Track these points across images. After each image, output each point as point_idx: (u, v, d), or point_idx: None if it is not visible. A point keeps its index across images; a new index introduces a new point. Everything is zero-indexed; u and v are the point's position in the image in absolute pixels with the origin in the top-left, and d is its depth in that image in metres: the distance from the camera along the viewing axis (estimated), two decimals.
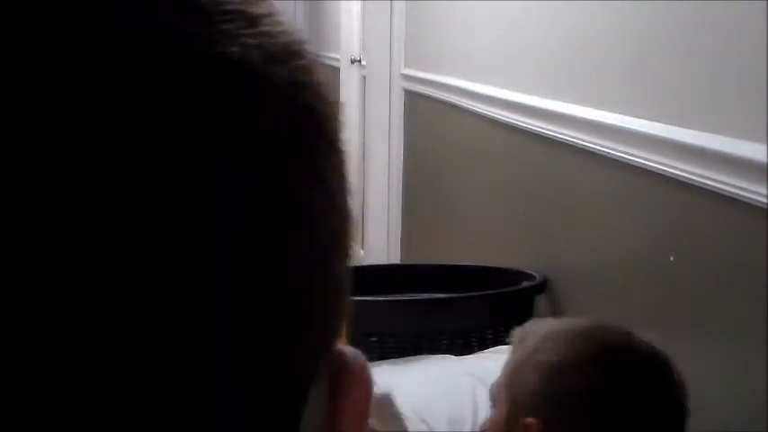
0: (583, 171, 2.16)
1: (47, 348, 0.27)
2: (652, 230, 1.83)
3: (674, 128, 1.73)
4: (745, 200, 1.49)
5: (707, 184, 1.59)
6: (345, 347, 0.35)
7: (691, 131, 1.67)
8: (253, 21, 0.31)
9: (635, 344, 1.30)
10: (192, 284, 0.28)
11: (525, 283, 2.40)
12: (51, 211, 0.27)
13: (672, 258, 1.73)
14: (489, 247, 2.89)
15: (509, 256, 2.66)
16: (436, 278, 2.68)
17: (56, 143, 0.27)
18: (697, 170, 1.63)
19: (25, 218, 0.27)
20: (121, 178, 0.27)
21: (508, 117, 2.65)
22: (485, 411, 1.51)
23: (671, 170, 1.71)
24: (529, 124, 2.47)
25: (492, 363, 1.42)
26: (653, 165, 1.78)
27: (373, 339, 2.33)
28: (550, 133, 2.31)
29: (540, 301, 2.39)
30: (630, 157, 1.87)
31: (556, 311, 2.31)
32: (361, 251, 4.34)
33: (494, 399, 1.37)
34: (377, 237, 4.26)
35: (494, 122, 2.79)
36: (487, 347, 2.16)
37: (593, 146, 2.06)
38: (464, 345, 2.29)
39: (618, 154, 1.93)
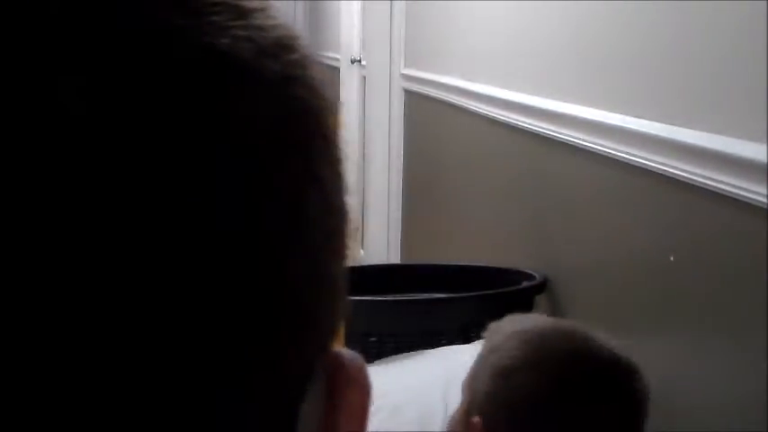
0: (583, 171, 2.16)
1: (46, 347, 0.27)
2: (652, 230, 1.83)
3: (675, 128, 1.72)
4: (745, 200, 1.48)
5: (707, 184, 1.59)
6: (342, 349, 0.35)
7: (691, 131, 1.67)
8: (243, 13, 0.31)
9: (591, 349, 1.27)
10: (188, 284, 0.28)
11: (525, 283, 2.40)
12: (49, 206, 0.27)
13: (672, 258, 1.72)
14: (489, 247, 2.89)
15: (509, 256, 2.66)
16: (436, 278, 2.68)
17: (50, 138, 0.27)
18: (697, 170, 1.63)
19: (25, 217, 0.26)
20: (117, 176, 0.27)
21: (508, 117, 2.65)
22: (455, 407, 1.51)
23: (671, 170, 1.71)
24: (529, 124, 2.47)
25: (468, 357, 1.42)
26: (653, 165, 1.78)
27: (373, 339, 2.33)
28: (550, 133, 2.31)
29: (540, 301, 2.39)
30: (631, 157, 1.87)
31: (556, 311, 2.31)
32: (361, 251, 4.34)
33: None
34: (377, 237, 4.26)
35: (494, 122, 2.79)
36: None
37: (593, 146, 2.06)
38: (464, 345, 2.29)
39: (618, 154, 1.93)
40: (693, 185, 1.64)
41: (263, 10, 0.32)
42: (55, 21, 0.28)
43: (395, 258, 4.11)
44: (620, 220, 1.98)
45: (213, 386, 0.29)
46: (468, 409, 1.31)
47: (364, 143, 4.37)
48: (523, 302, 2.37)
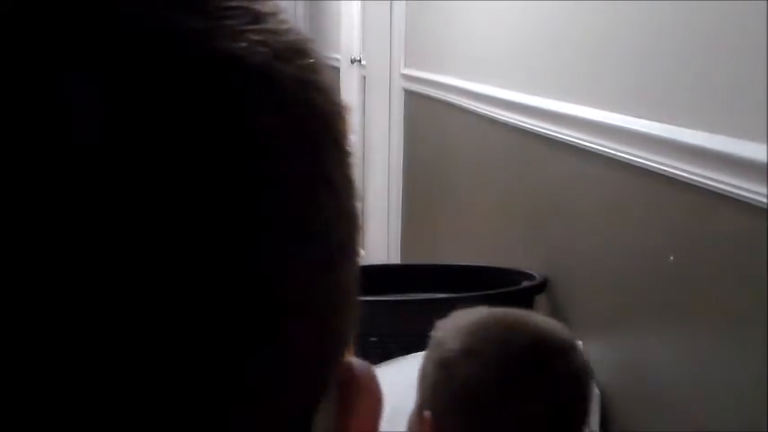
0: (583, 171, 2.16)
1: (46, 347, 0.27)
2: (652, 230, 1.83)
3: (675, 128, 1.73)
4: (745, 200, 1.48)
5: (707, 184, 1.59)
6: (354, 359, 0.34)
7: (691, 131, 1.67)
8: (257, 18, 0.31)
9: (524, 331, 1.29)
10: (200, 288, 0.28)
11: (525, 283, 2.40)
12: (50, 206, 0.26)
13: (672, 258, 1.73)
14: (489, 248, 2.89)
15: (509, 256, 2.66)
16: (436, 278, 2.68)
17: (54, 140, 0.27)
18: (697, 170, 1.63)
19: (24, 217, 0.26)
20: (122, 177, 0.27)
21: (508, 117, 2.65)
22: None
23: (671, 170, 1.71)
24: (529, 124, 2.47)
25: None
26: (653, 165, 1.78)
27: (373, 339, 2.33)
28: (550, 133, 2.31)
29: (540, 300, 2.39)
30: (631, 157, 1.87)
31: (556, 311, 2.31)
32: (362, 251, 4.34)
33: None
34: (377, 237, 4.26)
35: (494, 122, 2.79)
36: None
37: (593, 146, 2.06)
38: None
39: (618, 154, 1.93)
40: (694, 185, 1.64)
41: (275, 14, 0.32)
42: (67, 23, 0.28)
43: (395, 258, 4.11)
44: (620, 219, 1.98)
45: (226, 397, 0.29)
46: (420, 405, 1.32)
47: (364, 143, 4.37)
48: (523, 302, 2.37)
